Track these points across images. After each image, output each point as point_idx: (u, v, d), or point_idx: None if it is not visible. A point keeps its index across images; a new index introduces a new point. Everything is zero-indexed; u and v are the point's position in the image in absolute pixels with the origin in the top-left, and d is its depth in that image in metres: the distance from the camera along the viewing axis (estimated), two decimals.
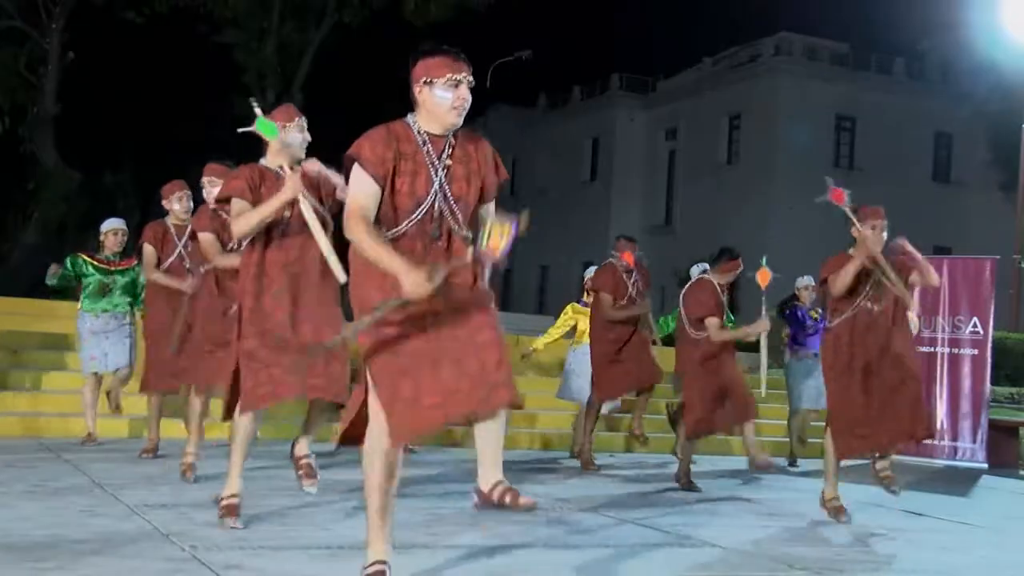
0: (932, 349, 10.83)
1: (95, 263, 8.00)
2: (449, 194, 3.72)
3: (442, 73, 3.69)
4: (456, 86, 3.70)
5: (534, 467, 8.59)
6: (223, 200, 5.08)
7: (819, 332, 9.94)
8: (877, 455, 6.65)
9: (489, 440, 3.70)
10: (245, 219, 4.80)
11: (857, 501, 6.94)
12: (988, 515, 7.60)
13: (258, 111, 4.94)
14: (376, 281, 3.64)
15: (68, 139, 26.70)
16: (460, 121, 3.78)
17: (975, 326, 10.73)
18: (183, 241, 7.23)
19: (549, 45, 42.13)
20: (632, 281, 8.57)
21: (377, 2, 27.19)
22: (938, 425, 10.68)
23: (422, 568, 4.42)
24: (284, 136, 4.97)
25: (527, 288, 40.05)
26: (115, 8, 25.79)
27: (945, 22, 26.66)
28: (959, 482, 9.56)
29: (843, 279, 6.35)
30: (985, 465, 10.53)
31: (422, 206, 3.68)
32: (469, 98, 3.75)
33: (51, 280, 8.10)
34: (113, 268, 8.01)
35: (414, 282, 3.50)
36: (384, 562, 3.78)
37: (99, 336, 7.95)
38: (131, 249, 8.14)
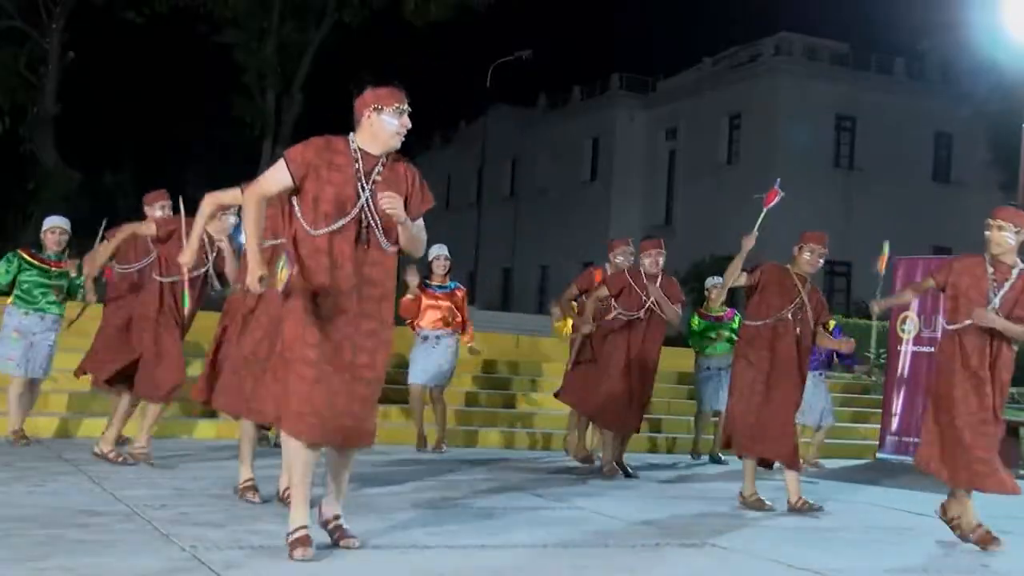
0: (932, 349, 10.80)
1: (36, 262, 7.75)
2: (374, 207, 4.25)
3: (390, 102, 4.26)
4: (401, 114, 4.28)
5: (534, 467, 8.59)
6: None
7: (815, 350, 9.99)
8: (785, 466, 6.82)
9: (339, 473, 4.49)
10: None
11: (861, 502, 6.94)
12: (989, 515, 7.59)
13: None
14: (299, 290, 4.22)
15: (68, 139, 26.71)
16: (399, 144, 4.34)
17: None
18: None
19: (549, 45, 42.19)
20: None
21: (377, 2, 27.18)
22: None
23: (420, 568, 4.42)
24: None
25: (527, 288, 40.04)
26: (115, 8, 25.80)
27: (945, 22, 26.66)
28: None
29: (728, 272, 6.89)
30: None
31: (348, 214, 4.23)
32: (409, 125, 4.32)
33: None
34: (54, 268, 7.76)
35: (252, 278, 4.19)
36: (307, 526, 4.33)
37: (24, 337, 7.64)
38: (73, 250, 7.97)
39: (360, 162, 4.28)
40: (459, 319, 9.14)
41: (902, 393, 10.88)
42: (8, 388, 7.85)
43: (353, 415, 4.27)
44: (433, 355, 9.00)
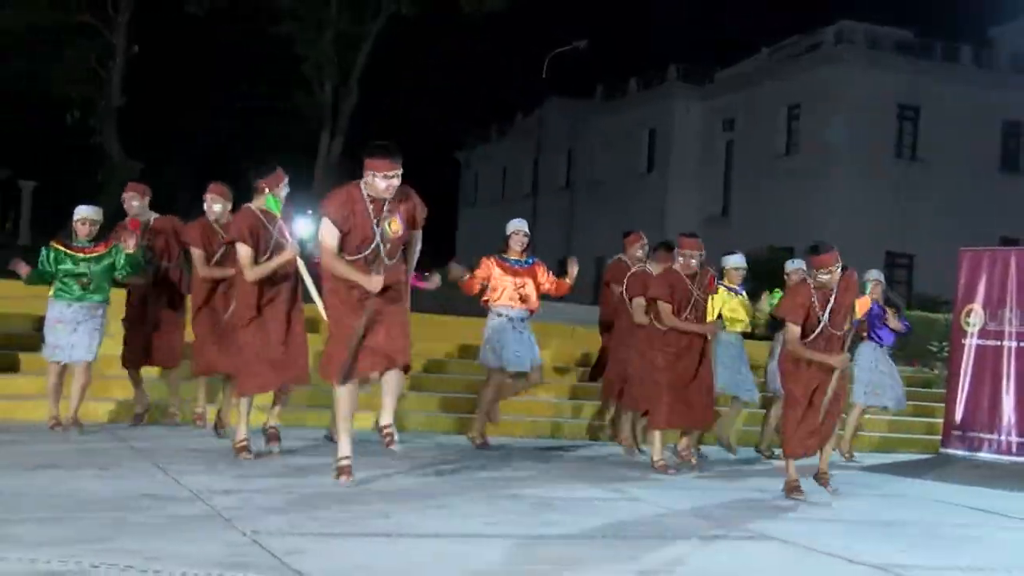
0: (999, 343, 10.54)
1: (69, 252, 7.67)
2: (383, 238, 5.93)
3: (381, 170, 5.86)
4: (387, 179, 5.86)
5: (590, 457, 8.57)
6: (230, 243, 6.98)
7: (885, 327, 9.93)
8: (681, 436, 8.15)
9: (389, 391, 6.03)
10: (258, 270, 6.76)
11: (923, 498, 6.85)
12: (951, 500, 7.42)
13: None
14: (341, 294, 6.00)
15: (132, 130, 27.26)
16: (389, 195, 5.91)
17: None
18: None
19: (605, 35, 41.96)
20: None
21: None
22: (1005, 420, 10.44)
23: (474, 556, 4.44)
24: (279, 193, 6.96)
25: (583, 278, 39.73)
26: (178, 1, 26.30)
27: (1014, 8, 26.10)
28: None
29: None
30: None
31: (367, 245, 5.92)
32: (396, 185, 5.90)
33: (26, 280, 7.83)
34: (86, 255, 7.69)
35: (369, 281, 5.87)
36: (349, 457, 6.04)
37: (67, 326, 7.63)
38: (105, 235, 7.94)
39: (371, 205, 5.93)
40: (545, 288, 8.66)
41: (966, 387, 10.66)
42: (47, 376, 7.86)
43: (385, 351, 5.96)
44: (523, 338, 8.46)
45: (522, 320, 8.51)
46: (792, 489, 6.91)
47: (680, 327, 7.72)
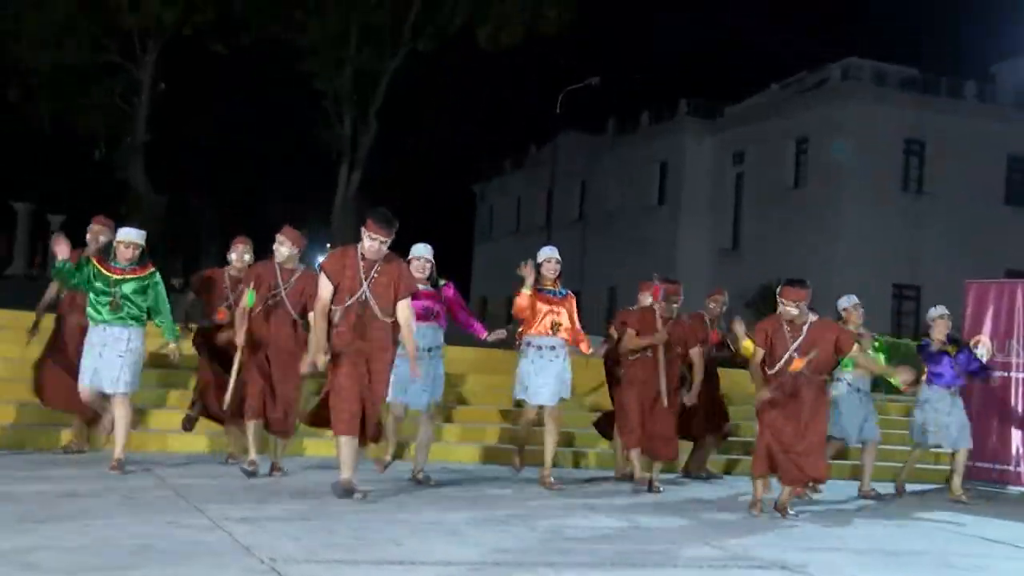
0: (1006, 374, 10.61)
1: (102, 270, 7.36)
2: (371, 294, 6.69)
3: (372, 232, 6.67)
4: (374, 241, 6.66)
5: (599, 487, 8.61)
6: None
7: (955, 367, 9.51)
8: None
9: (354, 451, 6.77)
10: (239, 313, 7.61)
11: (932, 527, 6.89)
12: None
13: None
14: (337, 350, 6.67)
15: (157, 165, 27.67)
16: (378, 258, 6.71)
17: None
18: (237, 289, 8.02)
19: (618, 71, 42.28)
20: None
21: (450, 30, 27.64)
22: (1013, 451, 10.49)
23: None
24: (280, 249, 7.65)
25: (596, 311, 40.01)
26: (203, 40, 26.75)
27: (1016, 44, 26.26)
28: None
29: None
30: None
31: (354, 298, 6.66)
32: (379, 248, 6.68)
33: (56, 266, 7.38)
34: (118, 276, 7.33)
35: (310, 361, 6.72)
36: (350, 480, 6.66)
37: (94, 349, 7.29)
38: (146, 258, 7.57)
39: (362, 263, 6.72)
40: (573, 327, 8.41)
41: (974, 418, 10.70)
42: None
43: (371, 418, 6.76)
44: (551, 368, 8.23)
45: (553, 349, 8.33)
46: (753, 505, 7.50)
47: (640, 344, 8.35)
